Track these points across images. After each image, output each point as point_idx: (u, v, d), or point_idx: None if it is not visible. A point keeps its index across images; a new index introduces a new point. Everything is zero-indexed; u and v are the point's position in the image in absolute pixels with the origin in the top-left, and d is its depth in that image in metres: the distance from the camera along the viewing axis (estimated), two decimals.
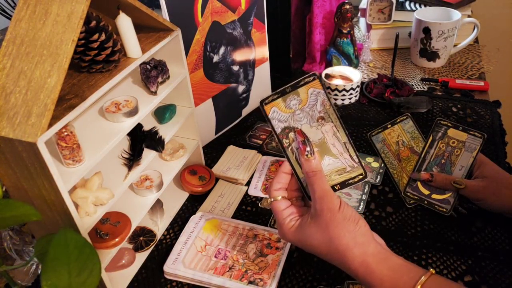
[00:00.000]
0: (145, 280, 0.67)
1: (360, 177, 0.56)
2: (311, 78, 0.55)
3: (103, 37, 0.57)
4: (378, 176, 0.81)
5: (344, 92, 1.00)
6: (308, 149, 0.54)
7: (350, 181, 0.56)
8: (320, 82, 0.55)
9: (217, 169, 0.85)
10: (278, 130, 0.55)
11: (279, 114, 0.55)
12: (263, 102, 0.55)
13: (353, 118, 0.98)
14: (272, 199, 0.56)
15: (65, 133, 0.52)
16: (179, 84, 0.72)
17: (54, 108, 0.48)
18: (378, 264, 0.49)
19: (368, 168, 0.82)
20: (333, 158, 0.56)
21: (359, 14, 1.29)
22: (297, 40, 1.12)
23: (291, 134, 0.55)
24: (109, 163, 0.66)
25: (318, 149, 0.56)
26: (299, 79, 0.55)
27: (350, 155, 0.56)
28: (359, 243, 0.50)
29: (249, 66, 0.95)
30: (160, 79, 0.68)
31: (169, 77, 0.71)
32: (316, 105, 0.55)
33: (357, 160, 0.56)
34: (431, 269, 0.49)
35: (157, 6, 0.75)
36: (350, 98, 1.02)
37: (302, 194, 0.57)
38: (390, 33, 1.20)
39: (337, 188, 0.56)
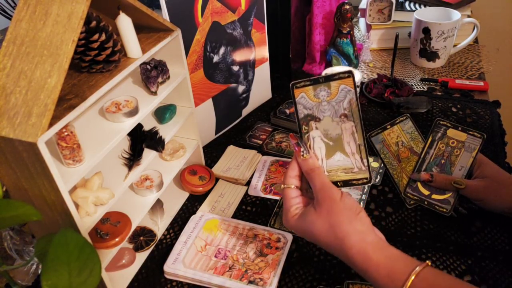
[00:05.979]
0: (145, 280, 0.67)
1: (365, 180, 0.57)
2: (346, 74, 0.55)
3: (103, 37, 0.57)
4: (378, 176, 0.81)
5: None
6: (302, 149, 0.56)
7: (354, 182, 0.57)
8: (353, 81, 0.56)
9: (217, 169, 0.85)
10: (301, 116, 0.57)
11: (306, 101, 0.56)
12: (294, 85, 0.56)
13: None
14: (285, 186, 0.57)
15: (66, 133, 0.52)
16: (179, 84, 0.72)
17: (55, 108, 0.48)
18: (375, 252, 0.50)
19: None
20: (344, 155, 0.57)
21: (359, 14, 1.29)
22: (297, 40, 1.12)
23: (312, 123, 0.56)
24: (109, 163, 0.66)
25: (332, 143, 0.57)
26: (334, 73, 0.56)
27: (361, 157, 0.57)
28: (358, 231, 0.51)
29: (249, 66, 0.95)
30: (160, 79, 0.68)
31: (169, 77, 0.71)
32: (343, 102, 0.56)
33: (366, 164, 0.57)
34: (428, 261, 0.49)
35: (157, 6, 0.75)
36: None
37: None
38: (390, 33, 1.21)
39: (339, 185, 0.57)
